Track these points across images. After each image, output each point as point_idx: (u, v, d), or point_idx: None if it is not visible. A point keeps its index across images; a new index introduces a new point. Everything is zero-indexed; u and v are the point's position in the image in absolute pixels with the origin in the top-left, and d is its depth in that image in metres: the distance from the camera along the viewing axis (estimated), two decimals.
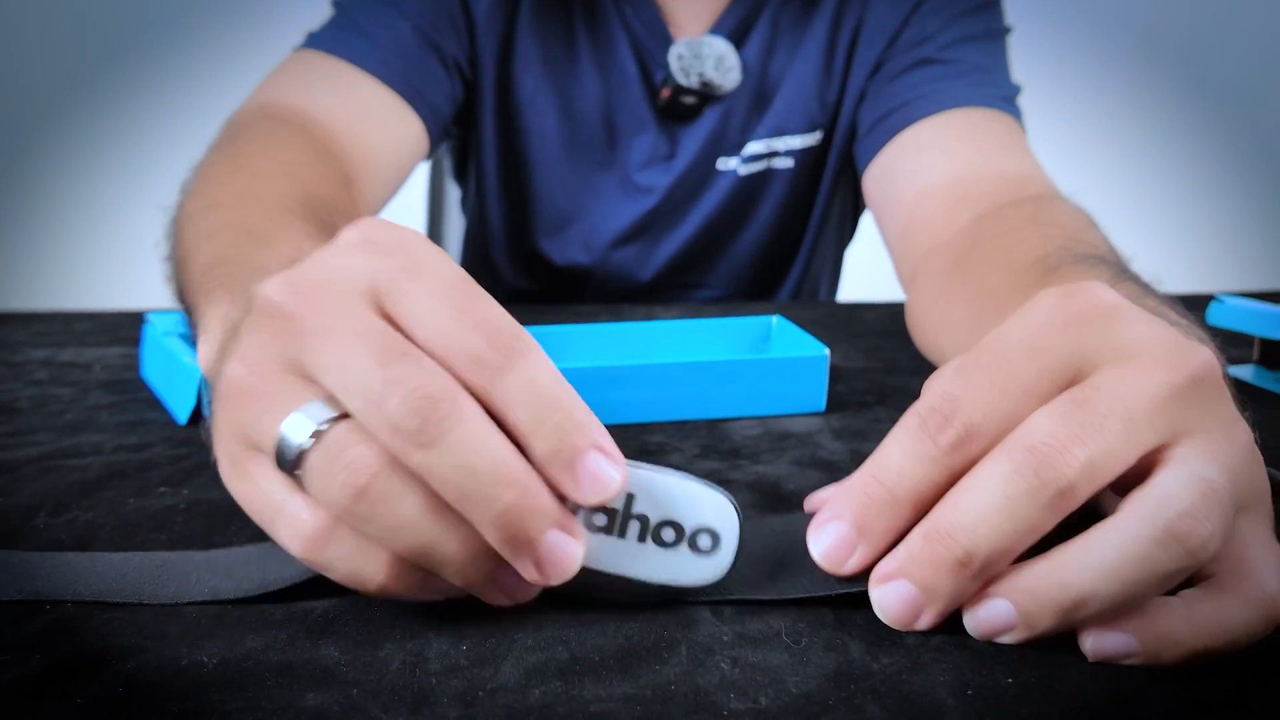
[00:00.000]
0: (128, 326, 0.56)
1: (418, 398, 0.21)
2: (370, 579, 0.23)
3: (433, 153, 0.64)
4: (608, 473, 0.23)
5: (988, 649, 0.24)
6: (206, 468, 0.32)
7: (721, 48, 0.62)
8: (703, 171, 0.67)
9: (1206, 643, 0.22)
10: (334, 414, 0.22)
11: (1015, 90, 0.60)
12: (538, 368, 0.23)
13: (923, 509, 0.24)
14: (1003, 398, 0.23)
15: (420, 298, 0.23)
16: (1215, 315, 0.47)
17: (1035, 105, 0.65)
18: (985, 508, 0.22)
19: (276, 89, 0.56)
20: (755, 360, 0.41)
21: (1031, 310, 0.25)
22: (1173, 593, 0.23)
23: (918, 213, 0.55)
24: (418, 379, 0.21)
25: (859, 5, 0.63)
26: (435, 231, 0.86)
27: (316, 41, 0.59)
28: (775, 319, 0.46)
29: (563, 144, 0.66)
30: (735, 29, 0.64)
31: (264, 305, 0.24)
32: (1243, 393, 0.26)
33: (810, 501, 0.29)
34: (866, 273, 0.80)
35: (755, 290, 0.73)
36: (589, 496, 0.23)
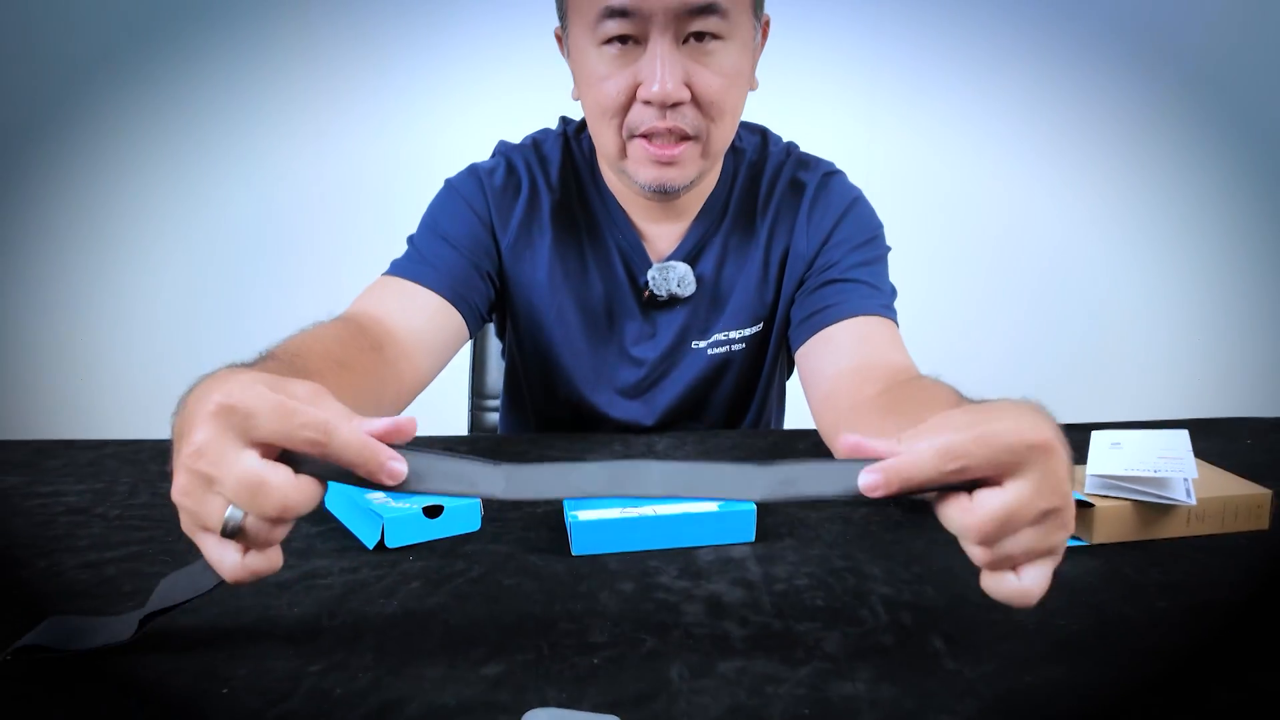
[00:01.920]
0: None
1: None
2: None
3: (474, 334, 0.92)
4: (396, 469, 0.45)
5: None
6: (408, 581, 0.58)
7: (682, 270, 0.92)
8: (680, 349, 0.95)
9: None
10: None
11: (894, 296, 0.90)
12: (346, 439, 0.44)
13: None
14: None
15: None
16: None
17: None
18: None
19: (359, 301, 0.85)
20: (710, 513, 0.68)
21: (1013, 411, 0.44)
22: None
23: (836, 386, 0.83)
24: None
25: (784, 236, 0.93)
26: (480, 362, 1.15)
27: (394, 268, 0.88)
28: None
29: (577, 324, 0.94)
30: (693, 250, 0.93)
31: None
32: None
33: (849, 442, 0.47)
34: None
35: (729, 423, 1.01)
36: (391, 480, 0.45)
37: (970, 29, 2.08)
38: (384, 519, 0.65)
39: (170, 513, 0.70)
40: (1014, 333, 2.23)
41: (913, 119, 2.12)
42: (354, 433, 0.44)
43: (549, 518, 0.71)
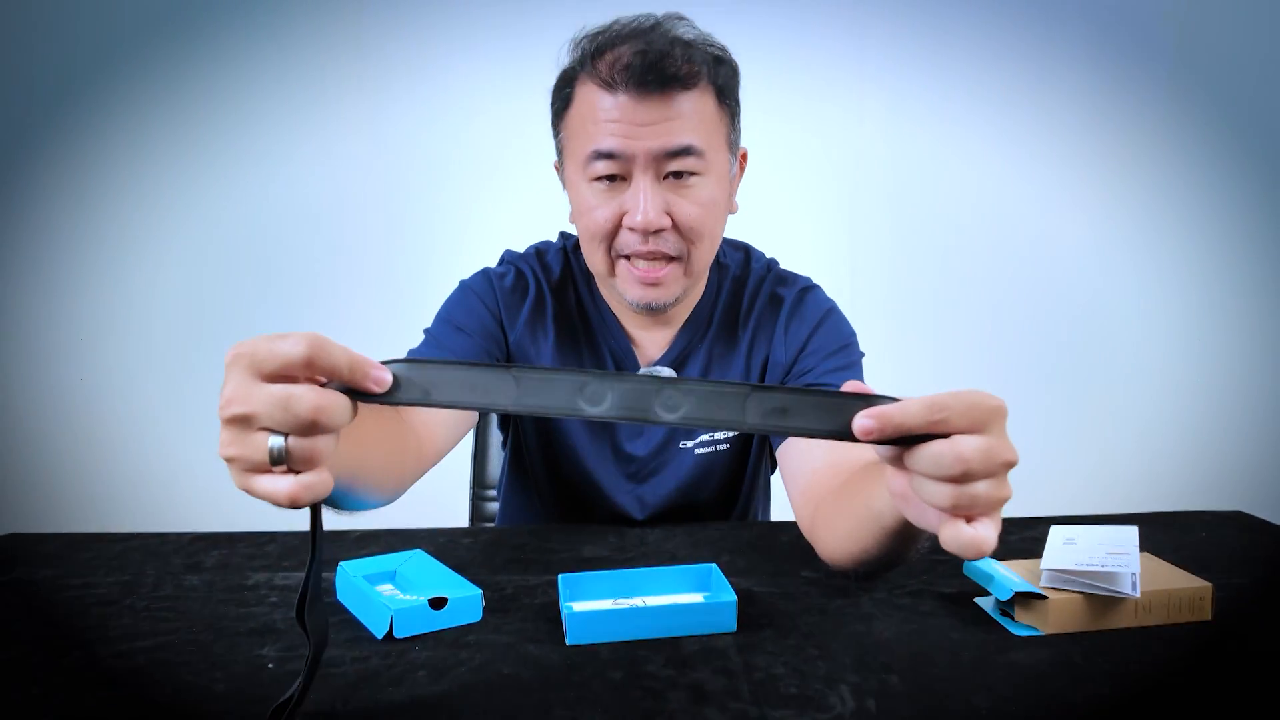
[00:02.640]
0: (300, 549, 0.88)
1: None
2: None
3: (481, 418, 0.99)
4: (381, 376, 0.50)
5: None
6: (415, 670, 0.63)
7: (666, 374, 0.98)
8: (669, 448, 1.02)
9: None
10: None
11: None
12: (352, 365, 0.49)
13: None
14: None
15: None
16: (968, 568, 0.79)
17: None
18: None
19: None
20: (696, 604, 0.74)
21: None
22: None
23: (813, 481, 0.89)
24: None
25: (764, 345, 1.01)
26: (481, 452, 1.22)
27: (410, 353, 0.96)
28: (713, 568, 0.79)
29: (574, 422, 1.01)
30: (679, 355, 1.02)
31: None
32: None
33: (852, 384, 0.54)
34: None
35: (720, 515, 1.07)
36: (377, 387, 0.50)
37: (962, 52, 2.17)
38: (392, 610, 0.70)
39: (193, 605, 0.76)
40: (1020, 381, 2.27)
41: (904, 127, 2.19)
42: (342, 348, 0.49)
43: (546, 609, 0.76)
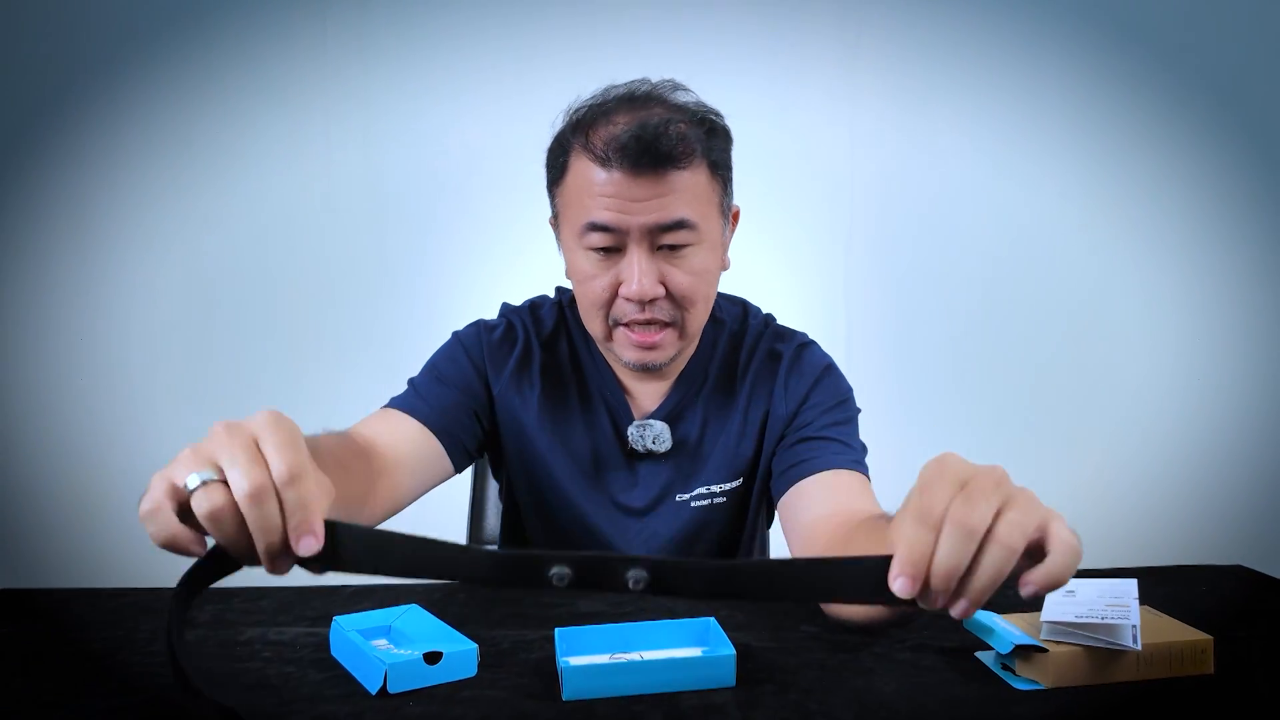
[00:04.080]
0: (297, 604, 0.87)
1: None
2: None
3: (460, 468, 1.01)
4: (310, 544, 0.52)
5: None
6: None
7: (659, 428, 1.03)
8: (665, 500, 1.03)
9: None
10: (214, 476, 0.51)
11: (864, 453, 0.99)
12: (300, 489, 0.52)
13: None
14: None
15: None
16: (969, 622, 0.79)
17: None
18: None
19: (361, 424, 0.96)
20: (695, 658, 0.73)
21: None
22: None
23: (813, 532, 0.90)
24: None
25: (763, 400, 1.03)
26: (479, 504, 1.21)
27: (393, 402, 1.01)
28: (711, 622, 0.78)
29: (566, 473, 1.02)
30: (674, 410, 1.03)
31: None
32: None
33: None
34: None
35: None
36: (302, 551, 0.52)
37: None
38: (386, 665, 0.69)
39: (188, 662, 0.75)
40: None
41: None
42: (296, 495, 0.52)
43: (543, 664, 0.75)
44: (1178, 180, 2.23)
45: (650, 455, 1.03)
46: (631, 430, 1.03)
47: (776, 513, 1.01)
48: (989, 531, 0.50)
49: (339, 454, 0.79)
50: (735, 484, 1.05)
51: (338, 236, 2.15)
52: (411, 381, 1.04)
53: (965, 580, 0.51)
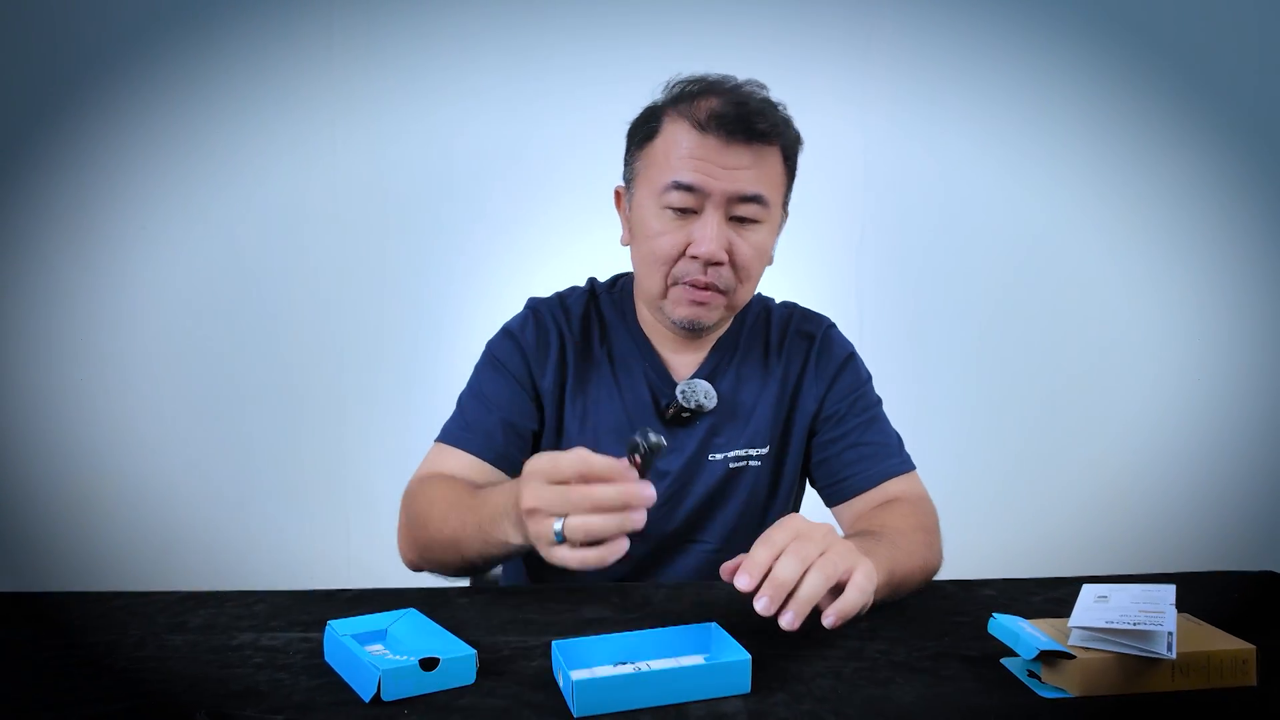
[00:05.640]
0: (291, 609, 0.84)
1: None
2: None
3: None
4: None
5: None
6: None
7: (705, 386, 1.07)
8: (699, 461, 1.07)
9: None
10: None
11: (900, 444, 1.05)
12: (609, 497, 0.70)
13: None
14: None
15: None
16: (993, 627, 0.75)
17: None
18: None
19: (428, 465, 1.05)
20: (710, 665, 0.69)
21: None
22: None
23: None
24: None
25: (796, 374, 1.10)
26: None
27: (443, 436, 1.07)
28: (713, 627, 0.75)
29: (596, 443, 1.02)
30: (710, 373, 1.09)
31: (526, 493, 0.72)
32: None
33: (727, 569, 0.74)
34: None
35: (735, 542, 1.07)
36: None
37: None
38: (380, 671, 0.66)
39: (175, 666, 0.72)
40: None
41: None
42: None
43: (544, 672, 0.72)
44: (1195, 180, 2.19)
45: (693, 415, 1.07)
46: (681, 388, 1.07)
47: (834, 517, 1.09)
48: (812, 564, 0.71)
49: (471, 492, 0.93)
50: (764, 449, 1.09)
51: (342, 238, 2.12)
52: (460, 403, 1.09)
53: (790, 596, 0.70)
